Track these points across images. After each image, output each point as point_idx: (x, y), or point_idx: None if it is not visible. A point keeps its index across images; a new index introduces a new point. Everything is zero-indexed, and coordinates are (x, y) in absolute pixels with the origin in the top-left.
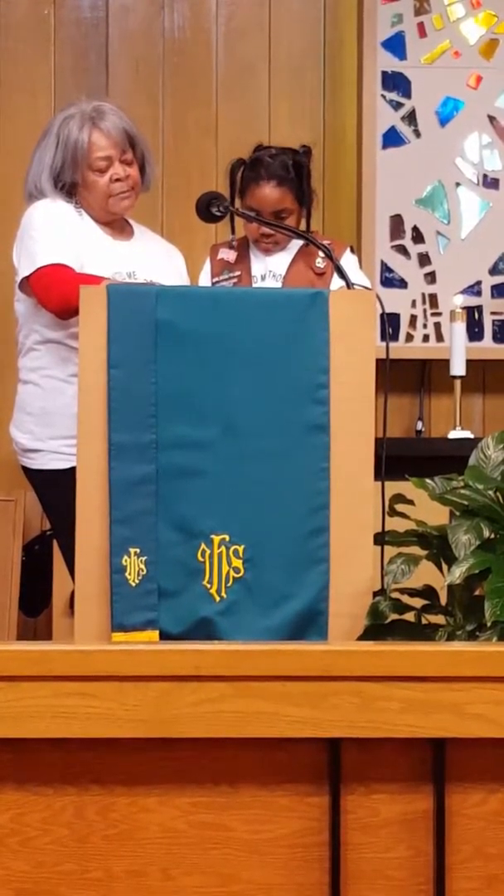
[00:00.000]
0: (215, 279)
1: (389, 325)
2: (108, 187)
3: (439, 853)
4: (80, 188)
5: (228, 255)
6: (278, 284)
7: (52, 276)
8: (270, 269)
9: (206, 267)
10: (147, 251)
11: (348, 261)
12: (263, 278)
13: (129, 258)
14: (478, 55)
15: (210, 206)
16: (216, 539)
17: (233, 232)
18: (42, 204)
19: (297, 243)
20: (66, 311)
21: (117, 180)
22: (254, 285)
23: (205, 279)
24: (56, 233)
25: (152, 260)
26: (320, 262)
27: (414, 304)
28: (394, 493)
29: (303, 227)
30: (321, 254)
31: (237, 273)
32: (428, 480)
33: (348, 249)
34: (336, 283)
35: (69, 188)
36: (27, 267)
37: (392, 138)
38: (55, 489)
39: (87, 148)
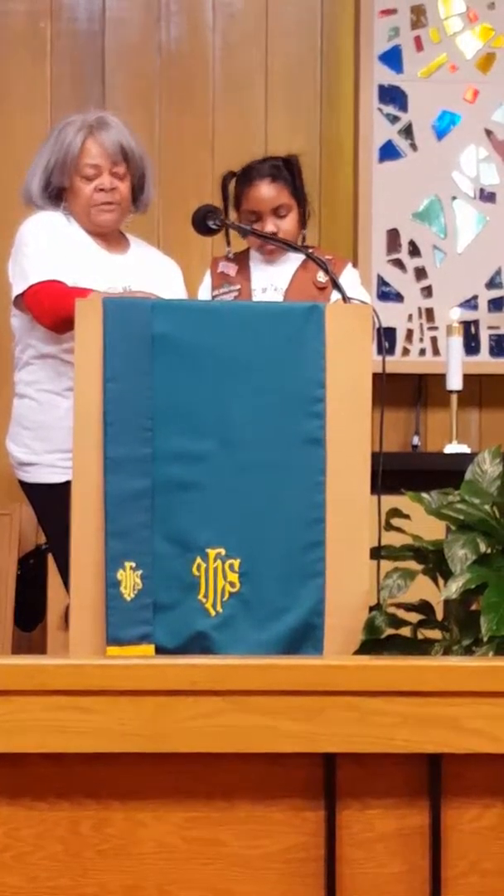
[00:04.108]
0: (215, 292)
1: (386, 339)
2: (91, 196)
3: (435, 868)
4: (67, 194)
5: (229, 268)
6: (280, 298)
7: (46, 291)
8: (272, 283)
9: (206, 280)
10: (143, 264)
11: (350, 276)
12: (265, 291)
13: (124, 272)
14: (475, 69)
15: (206, 220)
16: (212, 553)
17: (228, 244)
18: (34, 219)
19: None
20: (60, 326)
21: (101, 190)
22: (255, 298)
23: (204, 292)
24: (48, 248)
25: (148, 273)
26: (322, 276)
27: (410, 318)
28: (390, 508)
29: (303, 229)
30: None
31: (237, 286)
32: (424, 495)
33: (349, 265)
34: (337, 297)
35: (58, 193)
36: (20, 284)
37: (389, 152)
38: (51, 503)
39: (77, 153)
